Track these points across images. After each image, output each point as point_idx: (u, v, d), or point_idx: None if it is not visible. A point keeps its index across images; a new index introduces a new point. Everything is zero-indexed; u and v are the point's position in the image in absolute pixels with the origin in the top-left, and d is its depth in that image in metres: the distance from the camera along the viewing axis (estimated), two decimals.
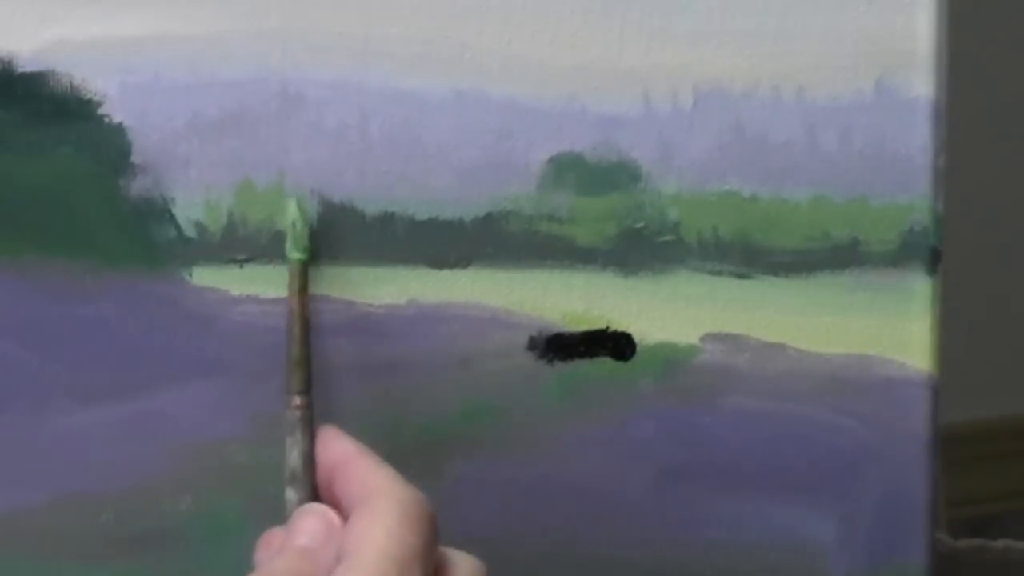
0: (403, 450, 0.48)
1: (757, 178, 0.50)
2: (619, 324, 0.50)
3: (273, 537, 0.44)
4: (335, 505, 0.44)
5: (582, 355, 0.50)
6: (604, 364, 0.50)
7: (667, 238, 0.50)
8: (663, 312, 0.50)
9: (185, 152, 0.48)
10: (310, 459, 0.45)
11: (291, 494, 0.45)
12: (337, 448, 0.45)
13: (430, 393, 0.49)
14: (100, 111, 0.47)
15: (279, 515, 0.48)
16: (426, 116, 0.49)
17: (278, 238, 0.48)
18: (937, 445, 0.52)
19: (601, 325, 0.50)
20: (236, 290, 0.49)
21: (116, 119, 0.47)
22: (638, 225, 0.50)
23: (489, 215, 0.49)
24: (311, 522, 0.43)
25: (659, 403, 0.51)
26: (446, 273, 0.49)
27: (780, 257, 0.51)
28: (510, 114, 0.49)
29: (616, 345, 0.50)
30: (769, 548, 0.52)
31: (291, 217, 0.47)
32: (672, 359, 0.51)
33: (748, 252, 0.51)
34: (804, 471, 0.52)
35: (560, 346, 0.50)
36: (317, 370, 0.48)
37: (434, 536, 0.42)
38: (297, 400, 0.46)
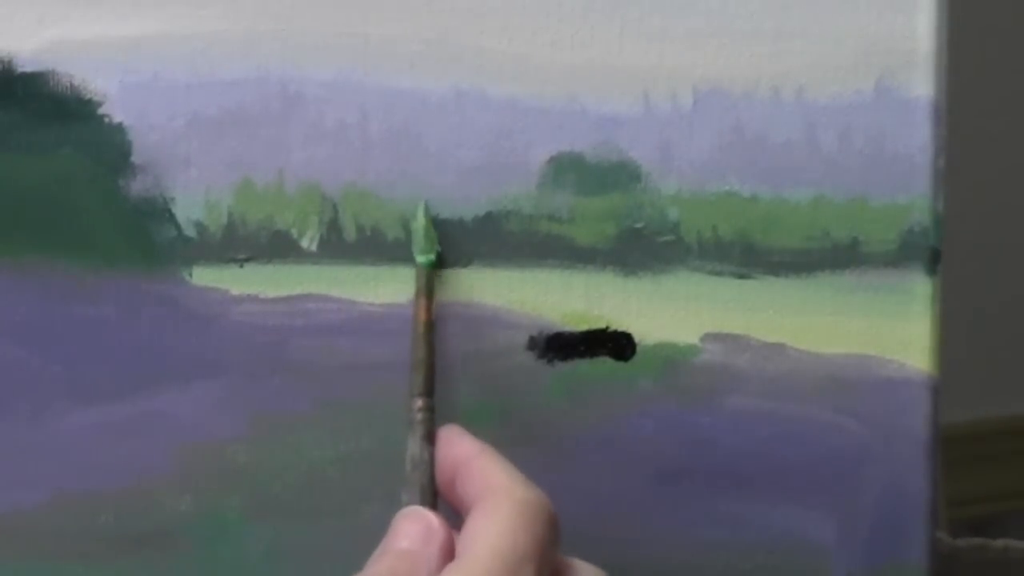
0: (403, 450, 0.48)
1: (757, 178, 0.50)
2: (619, 324, 0.50)
3: None
4: (458, 505, 0.43)
5: (582, 355, 0.50)
6: (604, 364, 0.50)
7: (667, 238, 0.50)
8: (663, 312, 0.50)
9: (185, 152, 0.48)
10: (427, 462, 0.44)
11: (405, 497, 0.44)
12: (459, 447, 0.44)
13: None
14: (100, 111, 0.47)
15: (279, 515, 0.48)
16: (426, 116, 0.49)
17: (278, 237, 0.49)
18: (937, 445, 0.52)
19: (601, 325, 0.50)
20: (236, 290, 0.49)
21: (116, 119, 0.47)
22: (638, 225, 0.50)
23: (489, 215, 0.49)
24: (409, 524, 0.43)
25: (659, 403, 0.51)
26: (446, 273, 0.49)
27: (780, 257, 0.51)
28: (510, 114, 0.49)
29: (616, 345, 0.50)
30: (769, 548, 0.52)
31: (419, 220, 0.48)
32: (672, 359, 0.51)
33: (748, 252, 0.51)
34: (804, 471, 0.52)
35: (560, 346, 0.50)
36: (316, 370, 0.48)
37: (552, 537, 0.41)
38: (419, 403, 0.45)
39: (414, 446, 0.45)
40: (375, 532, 0.46)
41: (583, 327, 0.50)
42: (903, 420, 0.52)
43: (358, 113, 0.48)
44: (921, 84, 0.50)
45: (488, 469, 0.43)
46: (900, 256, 0.51)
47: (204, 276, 0.48)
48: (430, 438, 0.45)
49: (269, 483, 0.49)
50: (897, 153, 0.51)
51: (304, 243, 0.49)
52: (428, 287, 0.47)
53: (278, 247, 0.48)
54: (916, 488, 0.52)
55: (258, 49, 0.48)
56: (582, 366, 0.50)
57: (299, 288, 0.49)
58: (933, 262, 0.51)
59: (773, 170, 0.50)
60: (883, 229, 0.51)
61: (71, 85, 0.47)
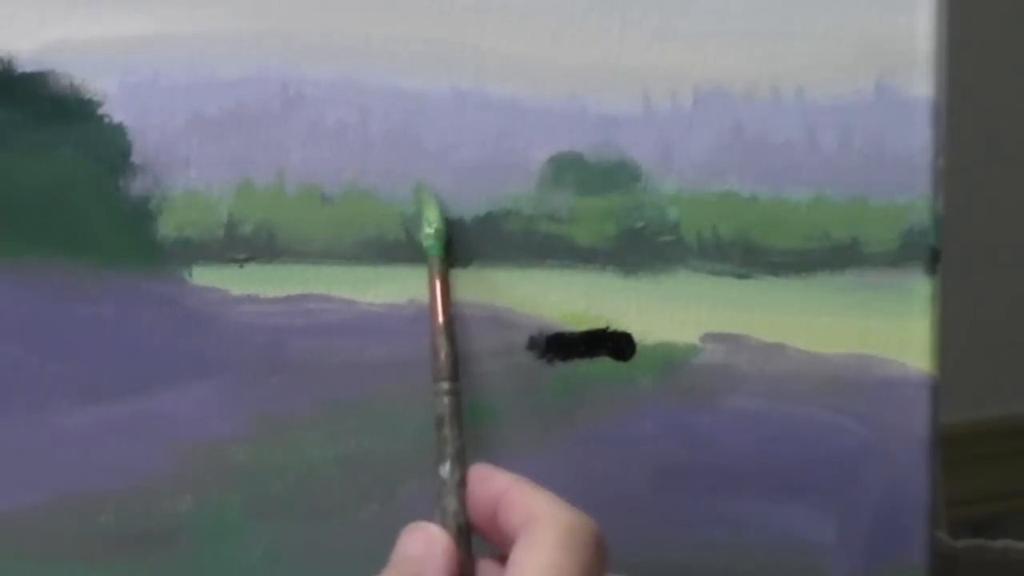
0: (403, 450, 0.48)
1: (757, 178, 0.50)
2: (619, 324, 0.50)
3: None
4: (501, 540, 0.43)
5: (582, 355, 0.50)
6: (604, 364, 0.50)
7: (667, 238, 0.50)
8: (663, 312, 0.50)
9: (185, 152, 0.48)
10: (456, 484, 0.45)
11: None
12: (495, 481, 0.44)
13: (430, 393, 0.49)
14: (100, 111, 0.47)
15: (279, 514, 0.48)
16: (426, 116, 0.49)
17: (278, 238, 0.48)
18: (937, 445, 0.52)
19: (601, 325, 0.50)
20: (236, 290, 0.49)
21: (116, 119, 0.47)
22: (638, 225, 0.50)
23: (489, 215, 0.49)
24: (411, 535, 0.43)
25: (659, 403, 0.51)
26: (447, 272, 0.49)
27: (780, 257, 0.51)
28: (510, 114, 0.49)
29: (616, 345, 0.50)
30: (769, 548, 0.52)
31: (429, 214, 0.47)
32: (672, 359, 0.51)
33: (748, 252, 0.51)
34: (804, 471, 0.52)
35: (560, 346, 0.50)
36: (316, 370, 0.48)
37: (598, 559, 0.41)
38: (444, 386, 0.46)
39: (443, 470, 0.45)
40: (375, 532, 0.47)
41: (583, 327, 0.50)
42: (903, 420, 0.52)
43: (358, 113, 0.48)
44: (921, 84, 0.50)
45: (528, 497, 0.43)
46: (900, 256, 0.51)
47: (204, 276, 0.48)
48: (460, 459, 0.45)
49: (269, 483, 0.49)
50: (897, 153, 0.51)
51: (304, 243, 0.49)
52: (440, 275, 0.47)
53: (278, 247, 0.48)
54: (916, 488, 0.52)
55: (258, 49, 0.48)
56: (582, 366, 0.50)
57: (299, 288, 0.49)
58: (933, 262, 0.51)
59: (773, 170, 0.50)
60: (883, 229, 0.51)
61: (71, 85, 0.47)
